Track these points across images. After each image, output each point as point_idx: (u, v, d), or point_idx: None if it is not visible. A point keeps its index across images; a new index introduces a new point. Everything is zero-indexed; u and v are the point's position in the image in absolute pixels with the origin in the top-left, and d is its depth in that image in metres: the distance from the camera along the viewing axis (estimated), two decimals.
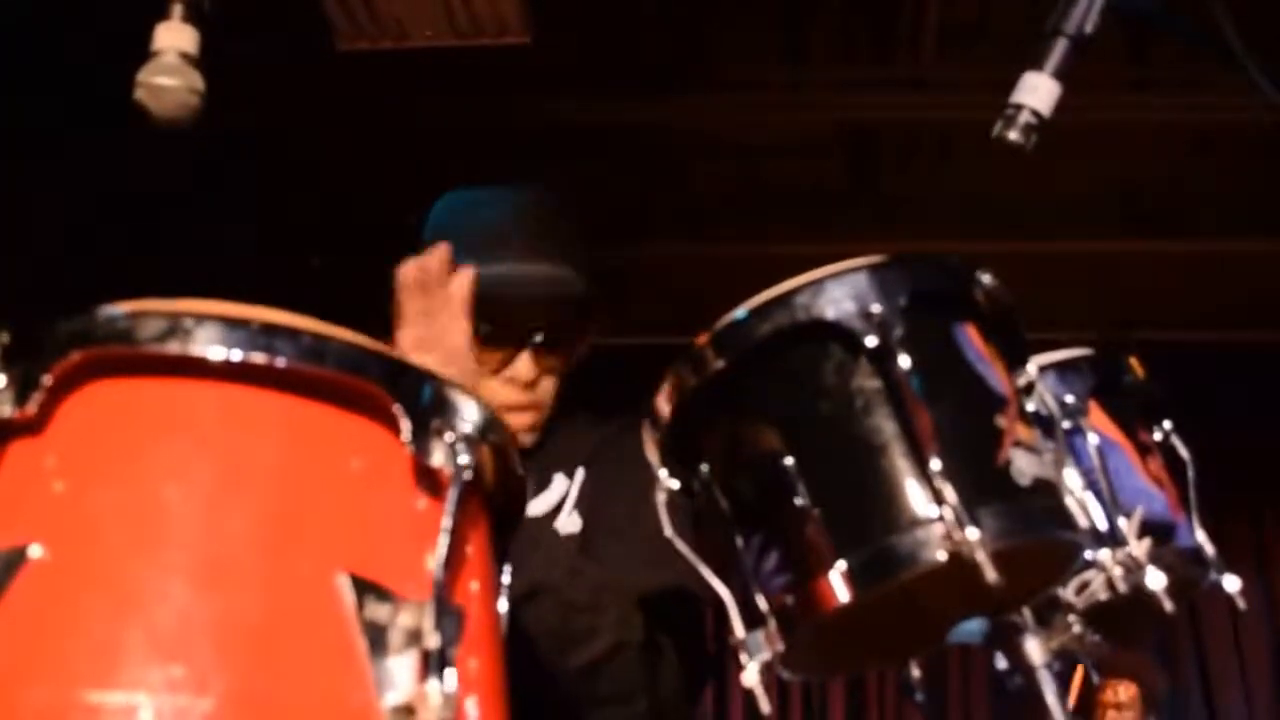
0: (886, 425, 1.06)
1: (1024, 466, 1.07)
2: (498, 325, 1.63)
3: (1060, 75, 1.43)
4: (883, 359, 1.06)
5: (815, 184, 4.62)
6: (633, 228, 4.59)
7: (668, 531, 1.16)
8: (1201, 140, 4.34)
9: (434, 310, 1.51)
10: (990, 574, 0.97)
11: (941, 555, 1.01)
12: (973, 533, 0.99)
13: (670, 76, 4.25)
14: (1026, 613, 1.23)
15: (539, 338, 1.66)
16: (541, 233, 1.71)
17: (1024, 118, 1.40)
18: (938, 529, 1.01)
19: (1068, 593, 1.27)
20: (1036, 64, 1.44)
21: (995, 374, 1.13)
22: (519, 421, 1.67)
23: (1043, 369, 1.34)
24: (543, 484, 1.71)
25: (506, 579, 1.06)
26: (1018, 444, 1.09)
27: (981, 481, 1.04)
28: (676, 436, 1.18)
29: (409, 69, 3.97)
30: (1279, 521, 5.81)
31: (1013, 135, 1.40)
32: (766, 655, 1.08)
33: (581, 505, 1.70)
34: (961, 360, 1.11)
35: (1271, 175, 3.83)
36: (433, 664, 0.82)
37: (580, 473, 1.74)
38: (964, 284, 1.15)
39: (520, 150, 4.23)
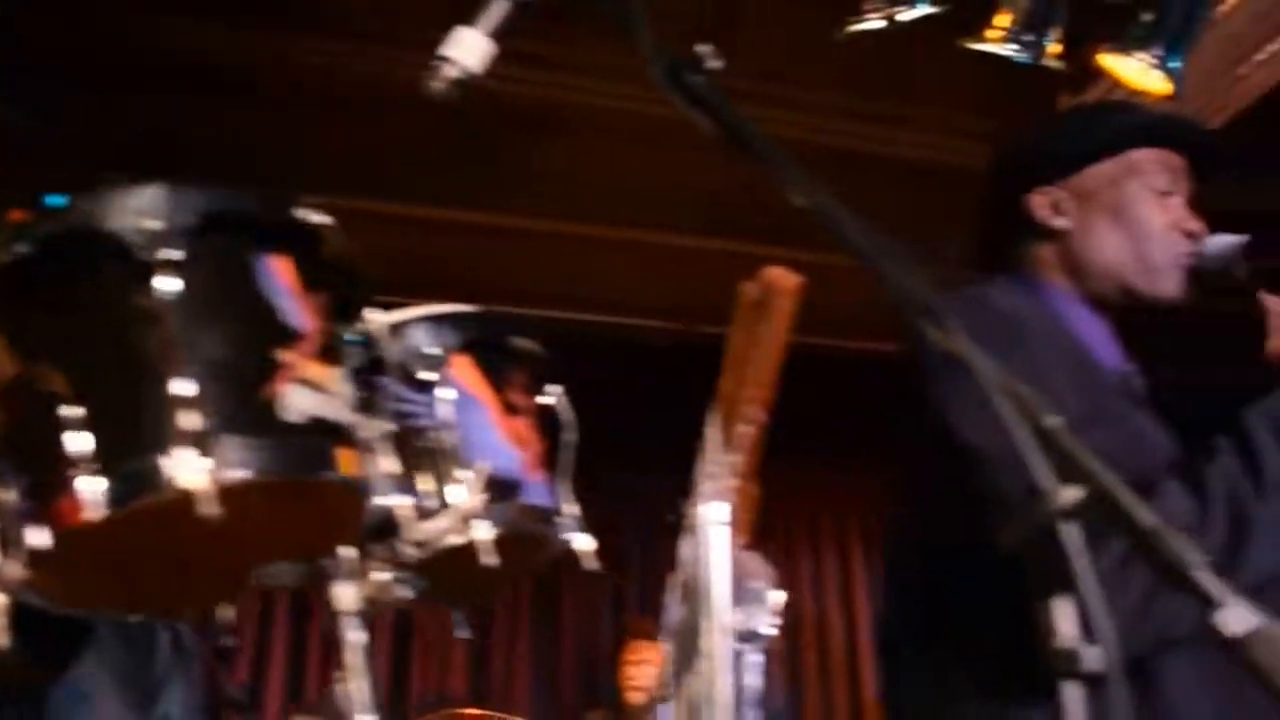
0: (149, 346, 1.01)
1: (300, 404, 1.05)
2: None
3: (495, 35, 1.44)
4: (154, 277, 1.01)
5: (430, 146, 4.56)
6: (236, 172, 4.38)
7: None
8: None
9: None
10: (207, 507, 0.94)
11: (185, 484, 0.97)
12: (204, 462, 0.96)
13: (287, 16, 4.08)
14: (343, 558, 1.21)
15: None
16: None
17: (446, 70, 1.40)
18: (177, 457, 0.97)
19: (404, 543, 1.27)
20: (471, 21, 1.44)
21: (296, 309, 1.09)
22: None
23: (414, 321, 1.34)
24: None
25: None
26: (303, 382, 1.06)
27: (237, 413, 1.01)
28: None
29: None
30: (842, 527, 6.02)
31: (434, 85, 1.40)
32: (10, 581, 1.02)
33: None
34: (250, 290, 1.07)
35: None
36: None
37: None
38: (279, 217, 1.11)
39: (130, 77, 3.95)
